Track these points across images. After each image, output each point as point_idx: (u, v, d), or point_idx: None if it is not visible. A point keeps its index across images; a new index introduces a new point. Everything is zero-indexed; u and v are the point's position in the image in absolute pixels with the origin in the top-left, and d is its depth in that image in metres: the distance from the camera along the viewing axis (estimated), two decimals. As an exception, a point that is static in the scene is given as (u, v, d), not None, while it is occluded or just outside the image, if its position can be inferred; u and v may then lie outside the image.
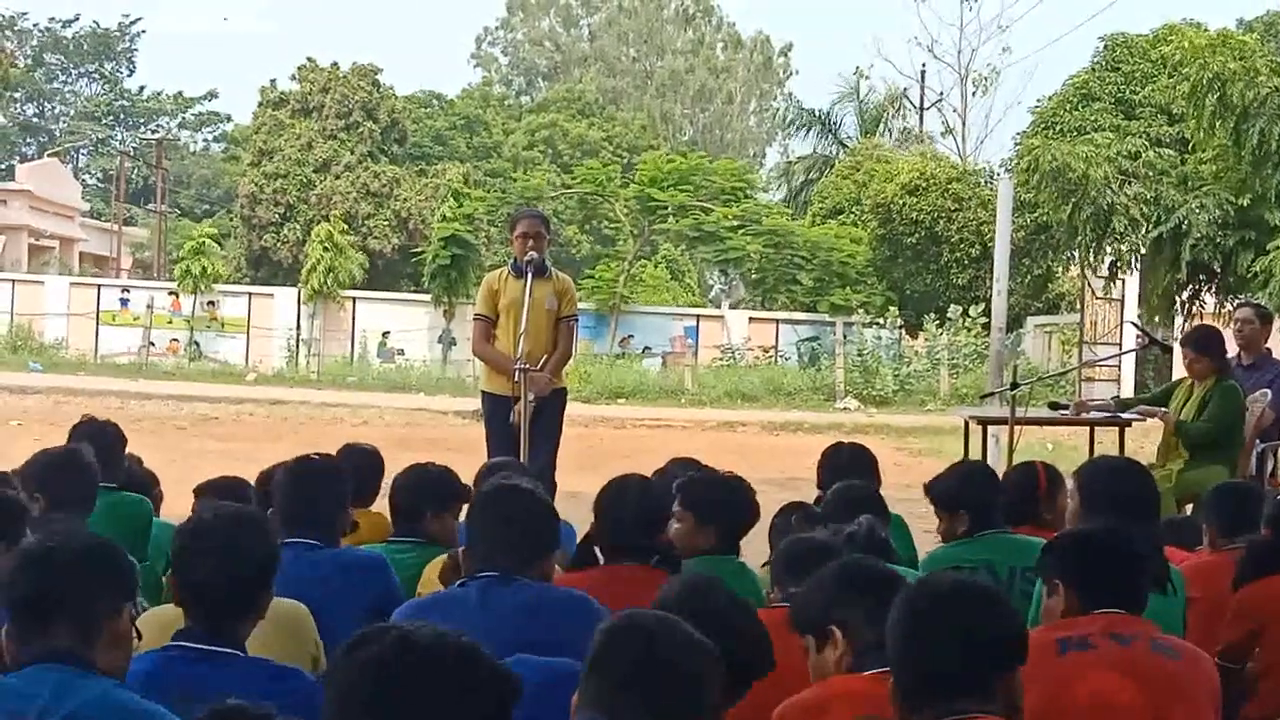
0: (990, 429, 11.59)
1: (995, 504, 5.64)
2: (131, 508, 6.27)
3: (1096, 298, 33.43)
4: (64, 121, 74.95)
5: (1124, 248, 28.76)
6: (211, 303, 41.78)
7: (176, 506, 6.23)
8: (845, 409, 32.69)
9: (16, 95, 61.68)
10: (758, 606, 4.83)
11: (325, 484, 5.19)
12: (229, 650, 3.70)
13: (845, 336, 37.30)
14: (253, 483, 6.40)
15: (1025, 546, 5.36)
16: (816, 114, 53.90)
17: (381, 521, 6.13)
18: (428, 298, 41.26)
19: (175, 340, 41.35)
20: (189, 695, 3.37)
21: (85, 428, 6.68)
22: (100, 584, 3.34)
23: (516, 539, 4.33)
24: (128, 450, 6.93)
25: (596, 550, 5.13)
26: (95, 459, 5.87)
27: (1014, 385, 10.22)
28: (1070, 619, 4.12)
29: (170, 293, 41.87)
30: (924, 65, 55.13)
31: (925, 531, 6.68)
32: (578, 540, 5.53)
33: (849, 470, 6.50)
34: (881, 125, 52.70)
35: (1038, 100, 35.40)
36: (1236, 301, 21.42)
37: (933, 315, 37.02)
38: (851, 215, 42.74)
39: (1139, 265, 30.15)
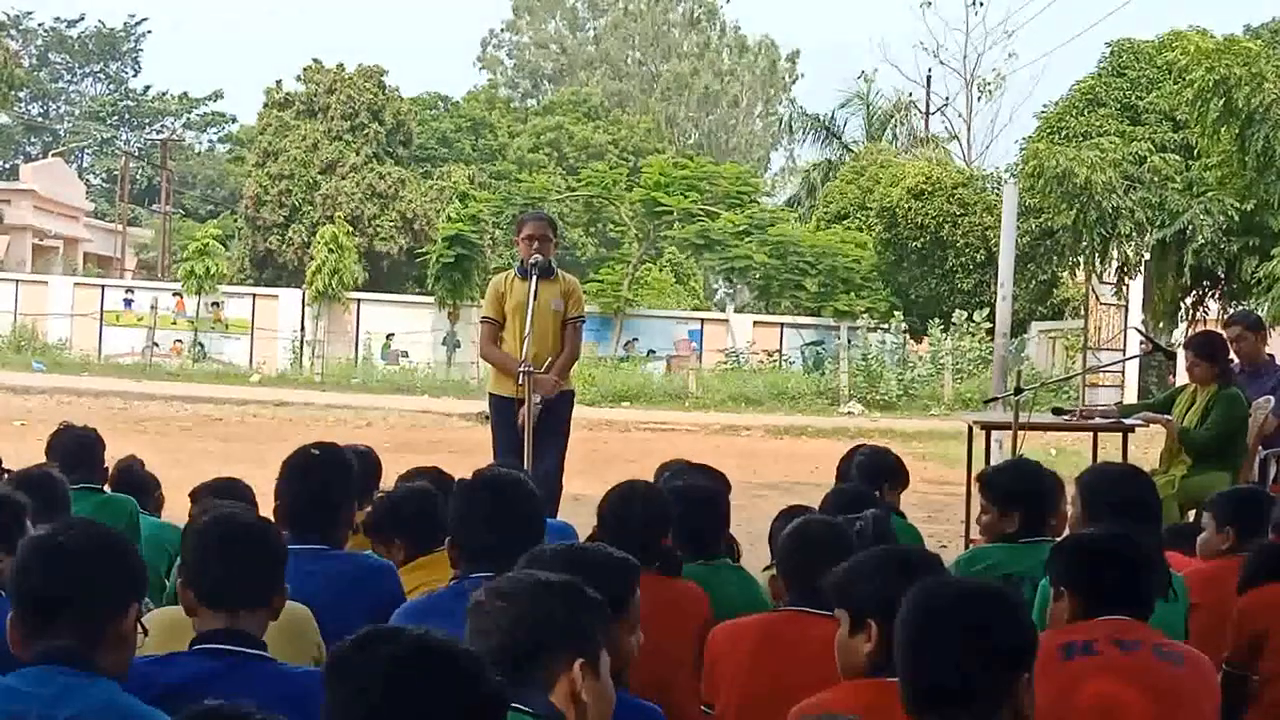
0: (994, 434, 11.60)
1: (1051, 510, 5.58)
2: (118, 507, 6.27)
3: (1101, 303, 33.42)
4: (69, 121, 75.00)
5: (1129, 252, 28.78)
6: (216, 304, 41.80)
7: (179, 508, 6.24)
8: (849, 413, 32.67)
9: (21, 95, 61.61)
10: (761, 611, 4.86)
11: (331, 480, 5.06)
12: (258, 653, 3.68)
13: (849, 341, 37.28)
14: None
15: None
16: (821, 119, 53.94)
17: None
18: (432, 300, 41.27)
19: (179, 341, 41.36)
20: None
21: (64, 433, 6.68)
22: (110, 582, 3.30)
23: (504, 535, 4.29)
24: (131, 453, 6.94)
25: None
26: (72, 464, 5.91)
27: (1018, 390, 10.23)
28: (1075, 624, 4.12)
29: (174, 294, 41.88)
30: (930, 70, 55.30)
31: (929, 536, 6.70)
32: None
33: (869, 473, 6.51)
34: (888, 130, 52.71)
35: (1043, 105, 35.50)
36: (1225, 316, 21.43)
37: (937, 320, 36.99)
38: (857, 220, 42.72)
39: (1143, 271, 30.18)
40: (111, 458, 7.03)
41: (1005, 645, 3.09)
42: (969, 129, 53.32)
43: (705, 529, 5.44)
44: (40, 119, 74.44)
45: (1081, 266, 32.81)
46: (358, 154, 48.80)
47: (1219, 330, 10.66)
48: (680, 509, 5.25)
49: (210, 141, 76.54)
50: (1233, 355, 9.57)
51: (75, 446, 6.55)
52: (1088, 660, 3.99)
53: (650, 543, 4.89)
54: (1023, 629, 3.17)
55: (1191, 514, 8.56)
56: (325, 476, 5.05)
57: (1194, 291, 29.64)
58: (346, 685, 2.55)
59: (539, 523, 4.52)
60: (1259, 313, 17.18)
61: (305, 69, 50.75)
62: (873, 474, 6.54)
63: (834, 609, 3.79)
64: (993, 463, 10.76)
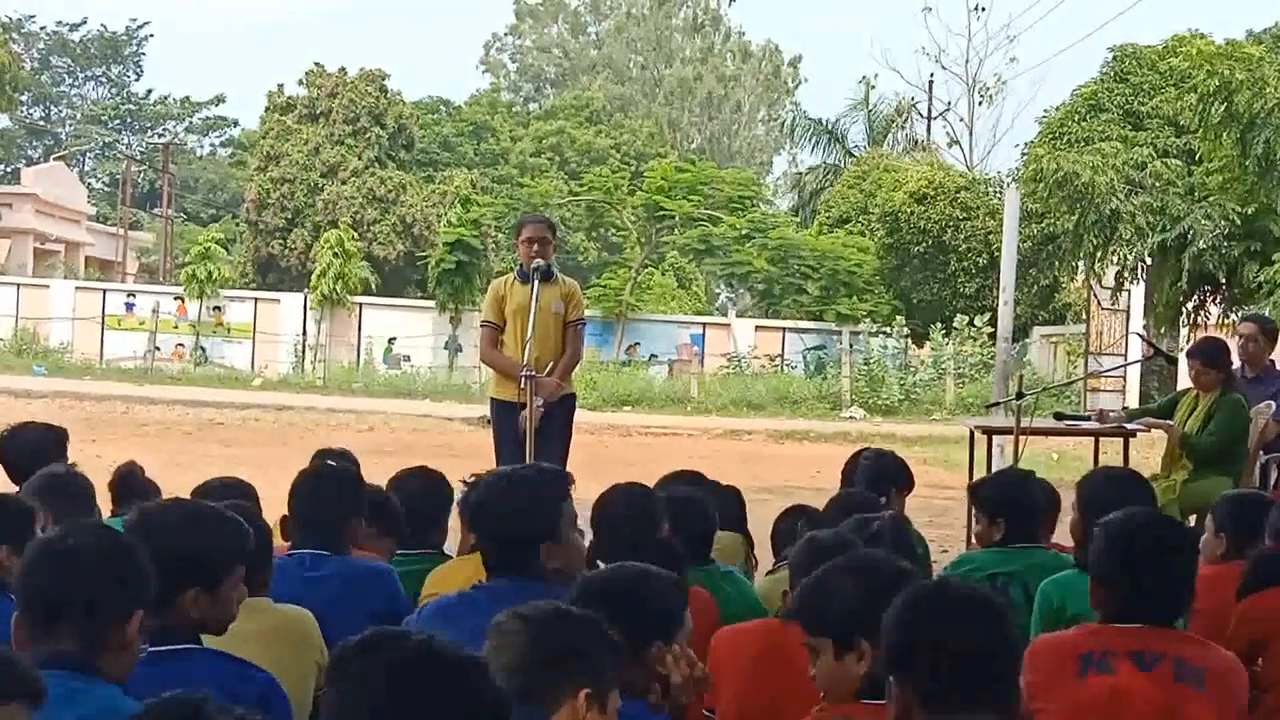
0: (995, 439, 11.63)
1: (1037, 516, 5.65)
2: None
3: (1102, 308, 33.43)
4: (70, 125, 75.00)
5: (1130, 256, 28.75)
6: (217, 308, 41.76)
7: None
8: (851, 418, 32.67)
9: (23, 98, 61.56)
10: (757, 615, 4.86)
11: (337, 490, 5.18)
12: (186, 646, 3.65)
13: (851, 345, 37.29)
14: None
15: (1056, 563, 5.38)
16: (824, 123, 53.89)
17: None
18: (433, 304, 41.26)
19: (181, 345, 41.30)
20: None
21: (24, 430, 6.60)
22: (117, 588, 3.28)
23: (513, 537, 4.32)
24: (131, 458, 6.91)
25: (600, 564, 5.12)
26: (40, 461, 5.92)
27: (1019, 395, 10.23)
28: (1101, 628, 4.11)
29: (176, 297, 41.83)
30: (932, 75, 55.19)
31: (931, 541, 6.69)
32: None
33: (875, 476, 6.52)
34: (889, 135, 52.67)
35: (1045, 110, 35.47)
36: (1240, 314, 21.40)
37: (939, 325, 36.98)
38: (859, 224, 42.70)
39: (1144, 275, 30.16)
40: (113, 462, 7.02)
41: (988, 651, 3.10)
42: (971, 134, 53.31)
43: (695, 535, 5.43)
44: (42, 122, 74.45)
45: (1083, 271, 32.81)
46: (359, 158, 48.79)
47: (1222, 336, 10.66)
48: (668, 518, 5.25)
49: (212, 145, 76.68)
50: (1236, 356, 9.58)
51: (33, 446, 6.39)
52: (1102, 680, 3.95)
53: (641, 542, 4.83)
54: (1006, 633, 3.18)
55: (1193, 519, 8.56)
56: (336, 488, 5.18)
57: (1195, 296, 29.57)
58: (348, 687, 2.55)
59: (538, 520, 4.51)
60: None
61: (307, 73, 50.72)
62: (878, 478, 6.55)
63: (811, 637, 3.66)
64: (994, 468, 10.80)
